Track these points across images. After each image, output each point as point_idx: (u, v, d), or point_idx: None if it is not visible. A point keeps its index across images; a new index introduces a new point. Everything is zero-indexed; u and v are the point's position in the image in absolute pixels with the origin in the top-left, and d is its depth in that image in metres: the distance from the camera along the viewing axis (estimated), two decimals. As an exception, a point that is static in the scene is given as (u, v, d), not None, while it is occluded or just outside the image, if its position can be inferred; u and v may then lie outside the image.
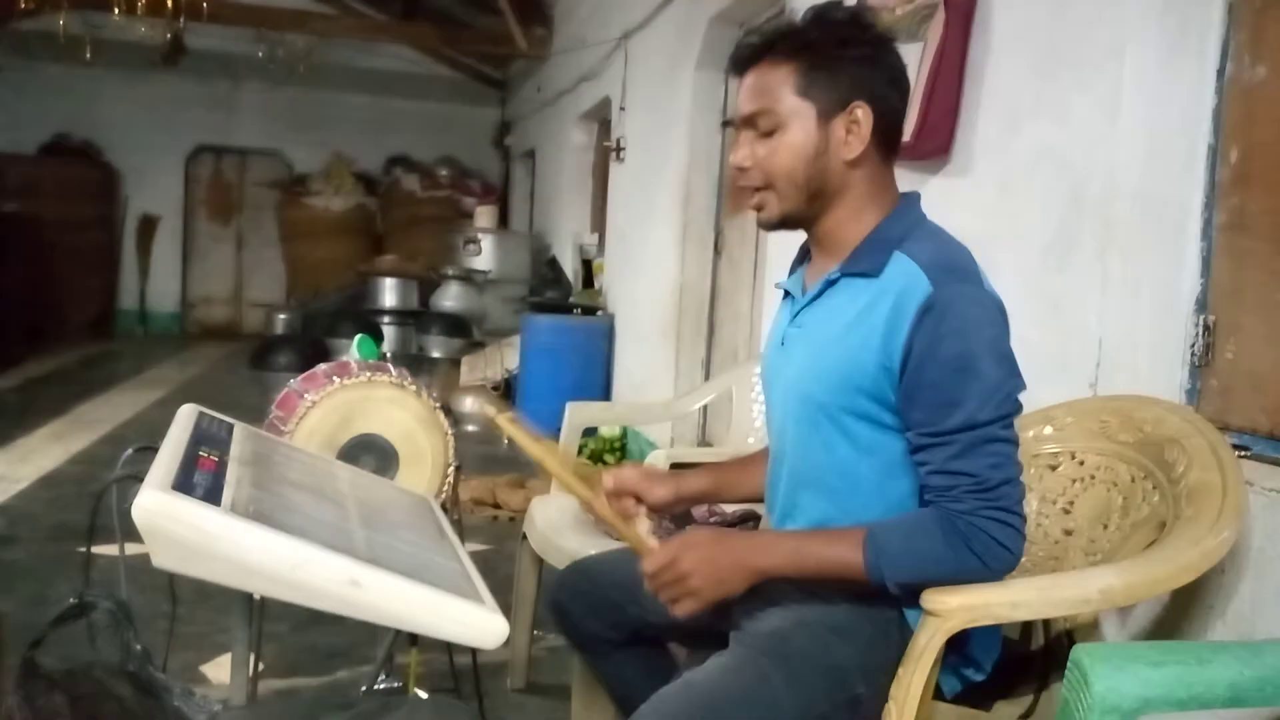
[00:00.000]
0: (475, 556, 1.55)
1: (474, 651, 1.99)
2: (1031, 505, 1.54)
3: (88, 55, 6.92)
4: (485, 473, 4.35)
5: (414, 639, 1.98)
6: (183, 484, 1.04)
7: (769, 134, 1.24)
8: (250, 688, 1.69)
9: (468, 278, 7.01)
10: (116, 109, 9.37)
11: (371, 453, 1.87)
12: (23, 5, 6.23)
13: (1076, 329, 1.82)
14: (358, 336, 2.19)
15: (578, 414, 2.49)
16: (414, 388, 1.91)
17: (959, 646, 1.22)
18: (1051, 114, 1.96)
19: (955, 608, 1.10)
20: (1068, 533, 1.50)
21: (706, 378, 4.50)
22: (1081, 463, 1.51)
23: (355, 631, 2.50)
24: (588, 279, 6.25)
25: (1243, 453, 1.46)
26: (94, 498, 1.39)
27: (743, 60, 1.27)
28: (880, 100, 1.22)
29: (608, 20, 5.84)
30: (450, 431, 1.96)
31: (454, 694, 2.12)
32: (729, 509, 2.12)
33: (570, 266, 6.69)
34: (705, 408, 3.59)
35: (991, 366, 1.13)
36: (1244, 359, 1.55)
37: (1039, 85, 2.00)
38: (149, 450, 1.20)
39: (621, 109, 5.52)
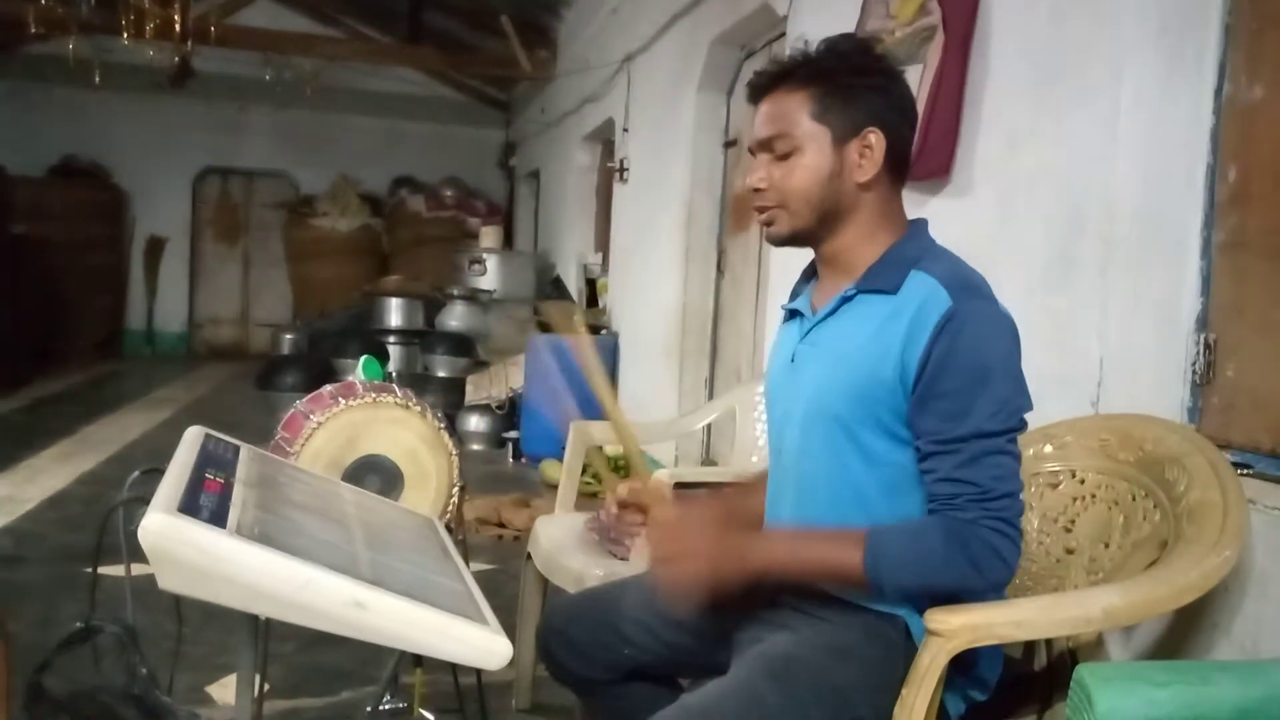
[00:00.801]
0: (480, 576, 1.56)
1: (478, 672, 1.99)
2: (1033, 524, 1.54)
3: (96, 78, 6.97)
4: (490, 492, 4.35)
5: (419, 660, 1.98)
6: (189, 506, 1.05)
7: (785, 157, 1.27)
8: (256, 709, 1.69)
9: (473, 297, 7.04)
10: (125, 131, 9.45)
11: (377, 473, 1.88)
12: (33, 30, 6.30)
13: (1077, 348, 1.82)
14: (363, 357, 2.20)
15: (582, 433, 2.49)
16: (419, 408, 1.92)
17: (964, 667, 1.22)
18: (1051, 134, 1.97)
19: (958, 627, 1.11)
20: (1069, 551, 1.50)
21: (710, 396, 4.51)
22: (1082, 481, 1.51)
23: (360, 652, 2.50)
24: (592, 298, 6.27)
25: (1245, 471, 1.47)
26: (101, 519, 1.39)
27: (760, 88, 1.31)
28: (892, 127, 1.26)
29: (611, 43, 5.89)
30: (455, 452, 1.97)
31: (459, 715, 2.12)
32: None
33: (574, 286, 6.71)
34: (709, 426, 3.59)
35: (1003, 381, 1.16)
36: (1245, 377, 1.55)
37: (1038, 106, 2.02)
38: (156, 472, 1.21)
39: (625, 130, 5.56)
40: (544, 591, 2.27)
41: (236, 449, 1.41)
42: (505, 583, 3.09)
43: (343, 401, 1.87)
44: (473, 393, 6.01)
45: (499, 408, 5.75)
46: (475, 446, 5.67)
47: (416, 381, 6.11)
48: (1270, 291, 1.52)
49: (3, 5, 6.68)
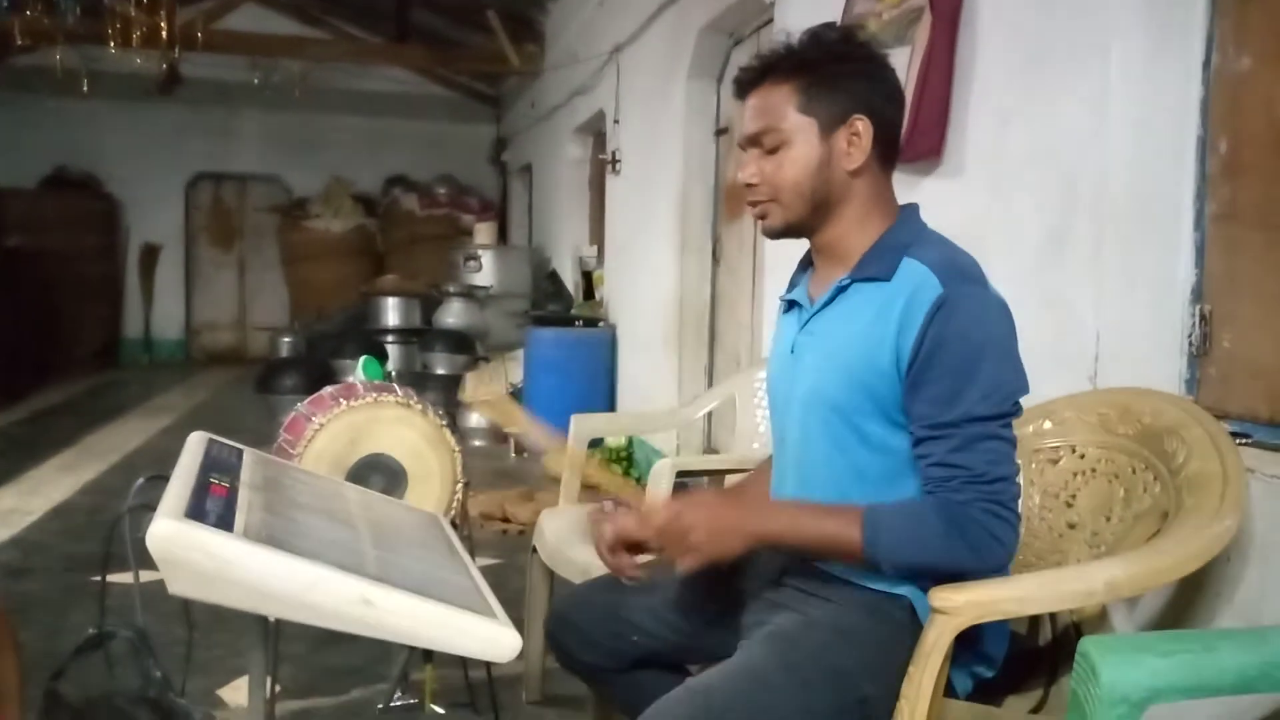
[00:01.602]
0: (486, 571, 1.57)
1: (489, 666, 2.00)
2: (1034, 499, 1.55)
3: (85, 88, 6.97)
4: (494, 487, 4.36)
5: (429, 655, 1.99)
6: (195, 511, 1.06)
7: (774, 150, 1.28)
8: (268, 710, 1.71)
9: (469, 294, 7.04)
10: (115, 140, 9.43)
11: (380, 472, 1.89)
12: (19, 41, 6.28)
13: (1074, 324, 1.83)
14: (363, 358, 2.21)
15: (583, 425, 2.50)
16: (420, 407, 1.93)
17: (969, 644, 1.23)
18: (1041, 112, 1.97)
19: (962, 604, 1.12)
20: (1071, 526, 1.51)
21: (710, 385, 4.52)
22: (1082, 456, 1.52)
23: (370, 650, 2.51)
24: (588, 291, 6.27)
25: (1243, 440, 1.47)
26: (106, 528, 1.40)
27: (745, 84, 1.32)
28: (878, 113, 1.27)
29: (598, 34, 5.87)
30: (457, 448, 1.98)
31: (470, 709, 2.13)
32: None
33: (571, 279, 6.71)
34: (710, 415, 3.60)
35: (995, 365, 1.17)
36: (1241, 347, 1.56)
37: (1027, 84, 2.02)
38: (160, 479, 1.21)
39: (616, 121, 5.55)
40: (550, 584, 2.28)
41: (240, 453, 1.42)
42: (511, 577, 3.11)
43: (344, 403, 1.87)
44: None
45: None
46: (477, 443, 5.69)
47: (416, 380, 6.11)
48: (1264, 261, 1.53)
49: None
